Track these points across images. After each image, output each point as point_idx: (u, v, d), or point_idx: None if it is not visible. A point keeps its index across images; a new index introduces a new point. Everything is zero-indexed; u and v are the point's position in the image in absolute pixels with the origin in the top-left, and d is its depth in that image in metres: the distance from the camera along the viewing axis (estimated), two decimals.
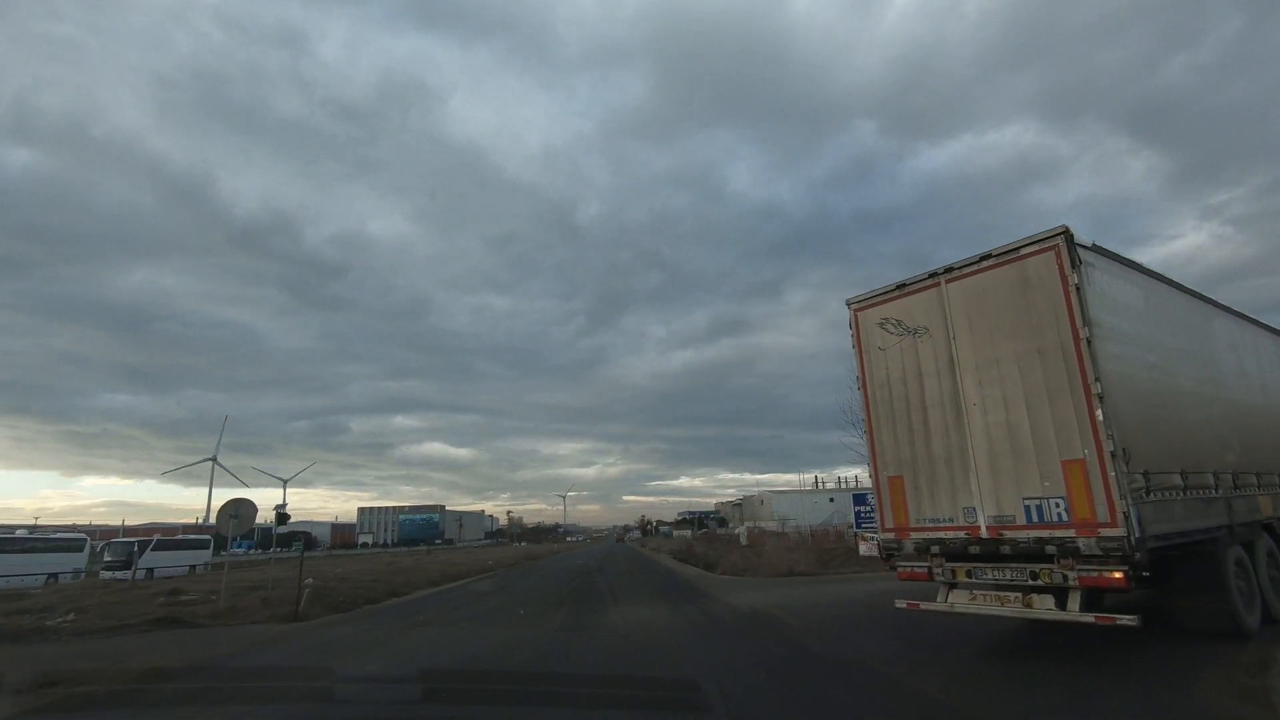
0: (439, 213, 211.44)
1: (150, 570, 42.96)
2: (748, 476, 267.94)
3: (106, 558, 43.58)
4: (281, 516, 22.61)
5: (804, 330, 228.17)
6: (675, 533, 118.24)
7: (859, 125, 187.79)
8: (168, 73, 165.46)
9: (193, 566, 48.59)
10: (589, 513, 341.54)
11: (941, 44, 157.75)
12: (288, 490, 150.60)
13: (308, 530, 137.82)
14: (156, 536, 51.88)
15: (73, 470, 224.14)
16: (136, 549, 44.24)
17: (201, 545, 53.02)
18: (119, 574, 39.44)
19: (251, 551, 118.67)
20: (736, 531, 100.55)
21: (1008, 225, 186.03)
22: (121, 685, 7.85)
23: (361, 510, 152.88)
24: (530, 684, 7.02)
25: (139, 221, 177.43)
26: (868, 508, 22.15)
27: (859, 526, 22.09)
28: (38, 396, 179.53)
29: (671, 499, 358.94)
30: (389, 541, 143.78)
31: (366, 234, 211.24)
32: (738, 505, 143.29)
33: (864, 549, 22.21)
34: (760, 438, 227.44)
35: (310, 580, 25.21)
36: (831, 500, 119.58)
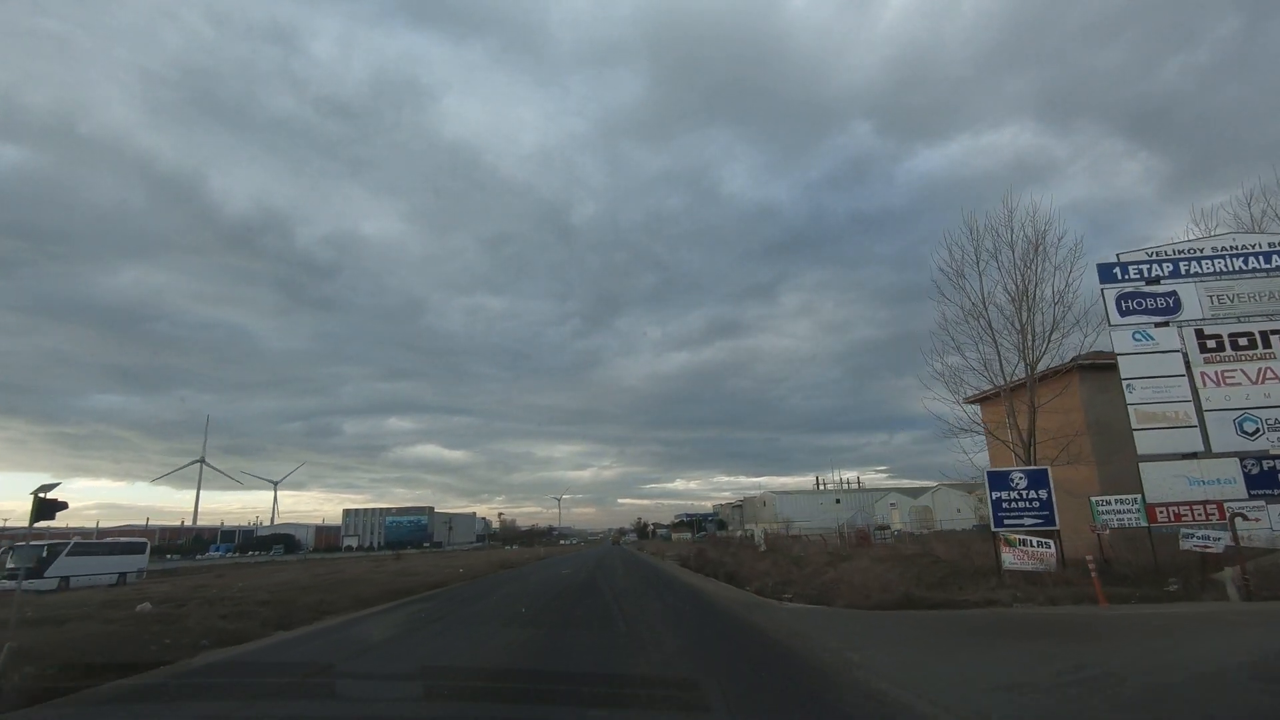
0: (433, 213, 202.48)
1: (66, 580, 34.53)
2: (743, 479, 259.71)
3: (10, 564, 35.06)
4: (46, 506, 14.28)
5: (799, 333, 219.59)
6: (674, 535, 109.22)
7: (855, 126, 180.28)
8: (157, 69, 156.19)
9: (122, 575, 39.27)
10: (584, 515, 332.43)
11: (939, 44, 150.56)
12: (280, 492, 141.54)
13: (290, 534, 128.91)
14: (74, 540, 43.39)
15: (64, 472, 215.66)
16: (46, 554, 35.57)
17: (135, 549, 43.40)
18: (26, 584, 31.35)
19: (229, 555, 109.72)
20: (739, 534, 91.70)
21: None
22: None
23: (347, 512, 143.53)
24: (530, 682, 6.48)
25: (129, 220, 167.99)
26: (1012, 494, 13.73)
27: (1000, 524, 13.61)
28: (27, 397, 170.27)
29: (667, 501, 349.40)
30: (375, 545, 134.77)
31: (360, 234, 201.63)
32: (737, 507, 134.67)
33: (1012, 559, 13.79)
34: (755, 440, 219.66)
35: (146, 605, 16.60)
36: (838, 501, 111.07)
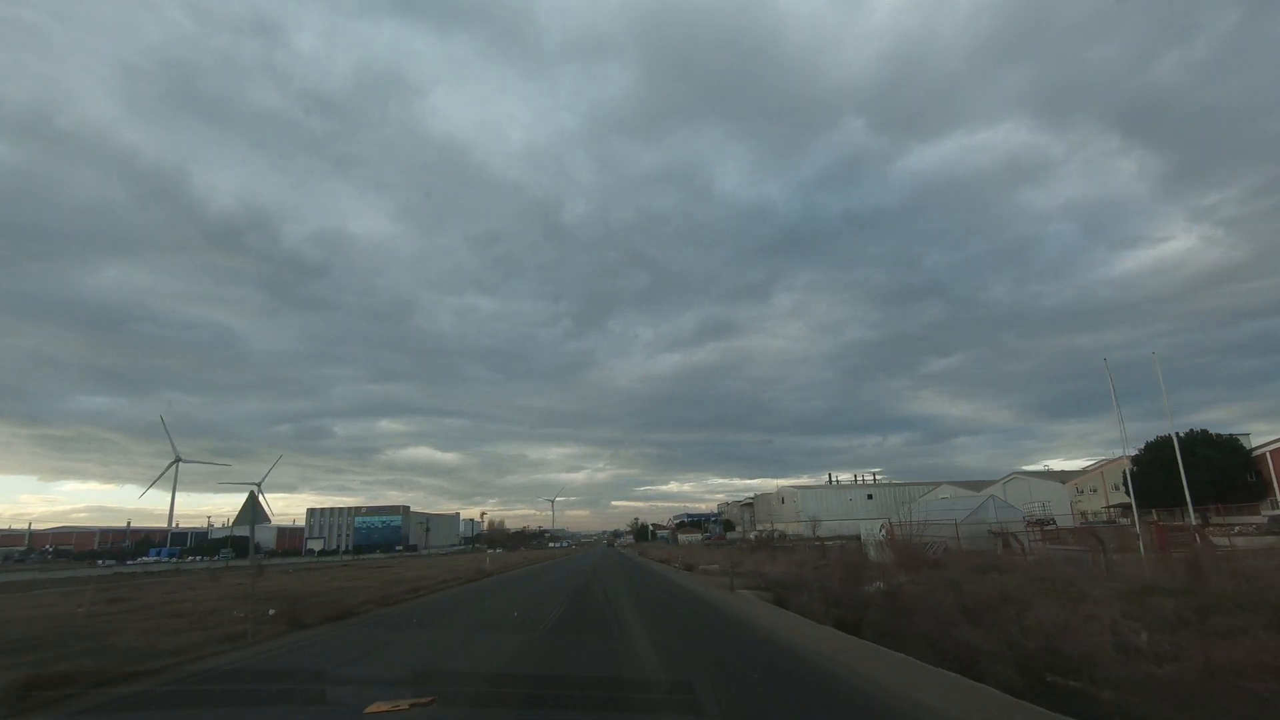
0: (421, 211, 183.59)
1: None
2: (737, 481, 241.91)
3: None
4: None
5: (792, 334, 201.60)
6: (681, 537, 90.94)
7: (848, 122, 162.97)
8: (136, 62, 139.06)
9: None
10: (578, 518, 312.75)
11: (933, 38, 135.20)
12: (271, 495, 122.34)
13: (245, 536, 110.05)
14: None
15: (50, 475, 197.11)
16: None
17: None
18: None
19: (173, 559, 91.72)
20: (751, 535, 73.17)
21: (996, 228, 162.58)
22: None
23: (311, 512, 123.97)
24: (526, 686, 6.15)
25: (109, 217, 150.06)
26: None
27: None
28: (10, 399, 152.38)
29: (661, 504, 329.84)
30: (342, 547, 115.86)
31: (347, 232, 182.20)
32: (747, 506, 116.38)
33: None
34: (749, 442, 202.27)
35: None
36: (870, 497, 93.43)
